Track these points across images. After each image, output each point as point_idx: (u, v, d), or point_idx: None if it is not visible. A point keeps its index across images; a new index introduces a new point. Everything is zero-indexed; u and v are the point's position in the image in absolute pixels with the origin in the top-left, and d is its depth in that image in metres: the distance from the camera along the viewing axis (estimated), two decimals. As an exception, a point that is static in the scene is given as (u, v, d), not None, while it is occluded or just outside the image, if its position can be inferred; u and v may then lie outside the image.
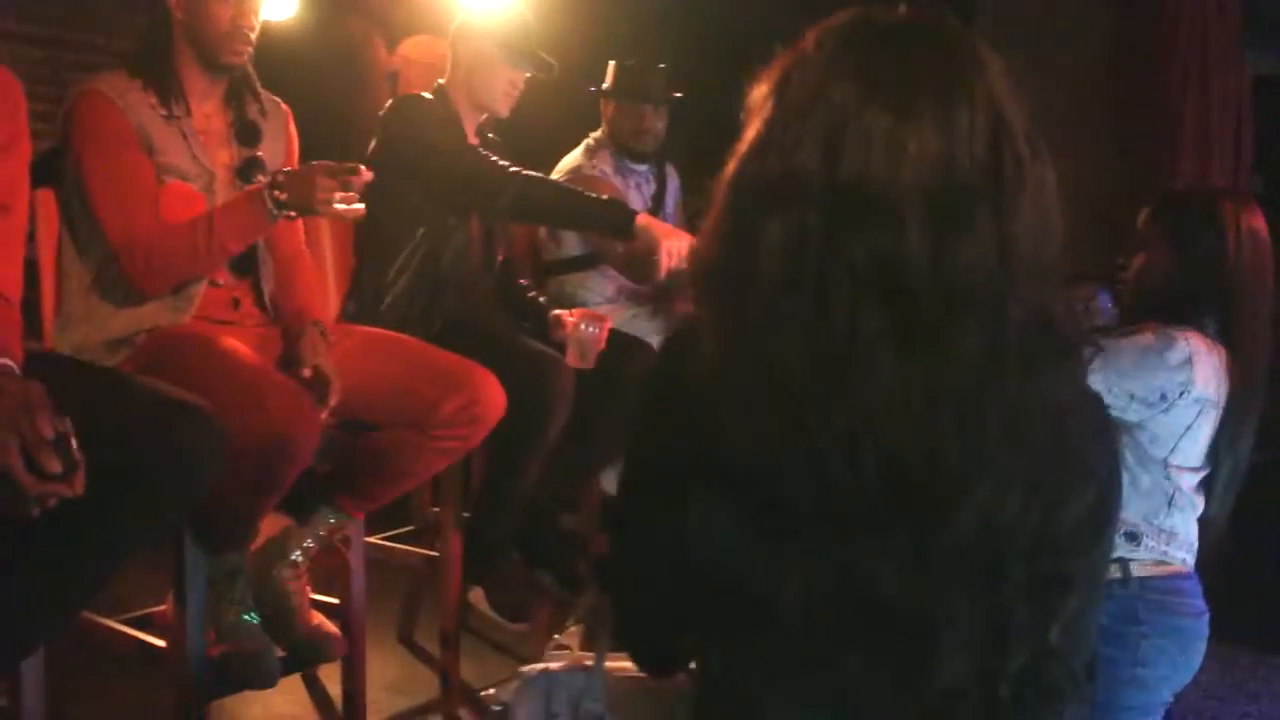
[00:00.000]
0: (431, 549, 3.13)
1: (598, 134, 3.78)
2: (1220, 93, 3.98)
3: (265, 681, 2.43)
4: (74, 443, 1.71)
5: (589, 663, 1.44)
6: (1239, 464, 2.29)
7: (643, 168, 3.80)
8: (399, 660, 3.32)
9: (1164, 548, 2.22)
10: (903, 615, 1.14)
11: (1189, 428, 2.23)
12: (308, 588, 2.61)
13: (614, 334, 3.14)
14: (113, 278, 2.47)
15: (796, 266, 1.10)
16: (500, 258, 3.27)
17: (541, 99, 3.36)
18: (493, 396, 2.63)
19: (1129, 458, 2.21)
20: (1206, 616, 2.25)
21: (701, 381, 1.15)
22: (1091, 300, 2.71)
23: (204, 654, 2.34)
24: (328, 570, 2.79)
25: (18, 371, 1.86)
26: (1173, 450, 2.23)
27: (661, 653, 1.33)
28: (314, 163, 2.43)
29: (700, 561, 1.18)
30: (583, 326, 3.04)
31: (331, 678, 2.88)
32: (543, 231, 3.71)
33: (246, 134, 2.63)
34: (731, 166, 1.19)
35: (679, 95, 3.80)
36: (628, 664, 1.39)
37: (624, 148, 3.74)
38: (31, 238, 2.49)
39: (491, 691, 1.47)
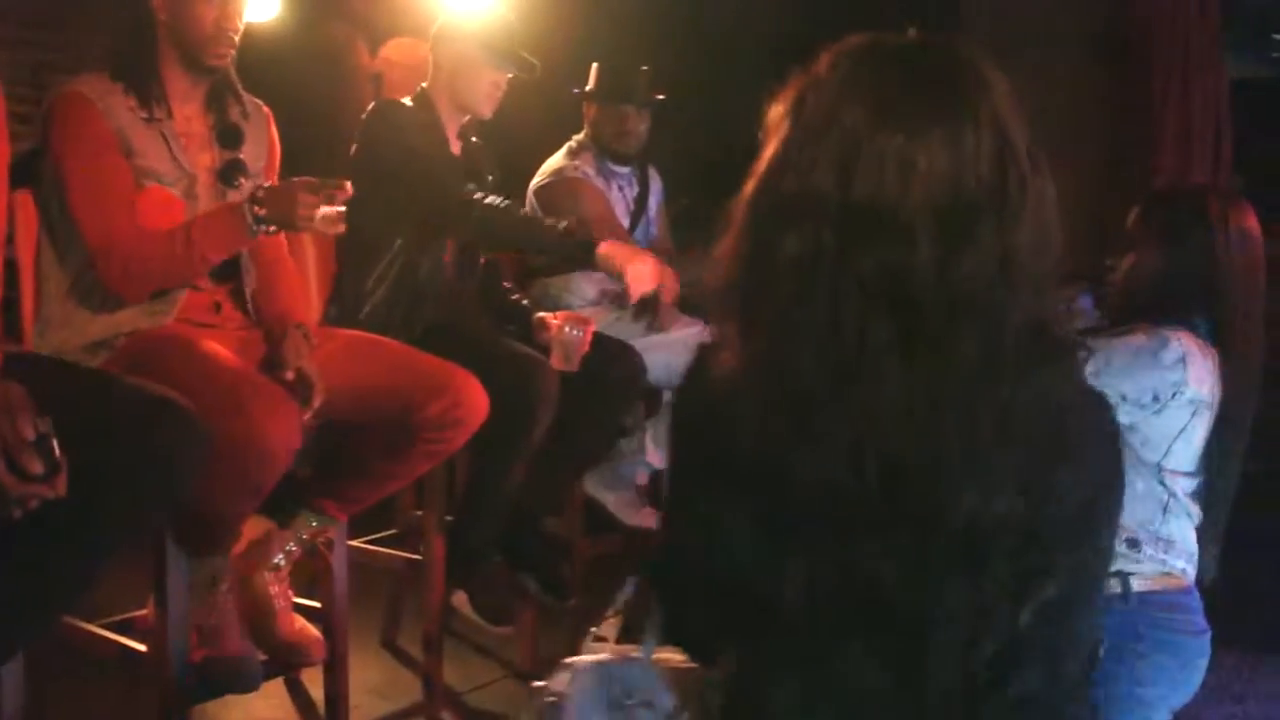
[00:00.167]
0: (414, 552, 3.12)
1: (580, 136, 3.78)
2: (1201, 95, 4.00)
3: (247, 686, 2.42)
4: (55, 444, 1.70)
5: (633, 653, 1.47)
6: (1234, 470, 2.26)
7: (625, 170, 3.80)
8: (382, 664, 3.30)
9: (1163, 556, 2.18)
10: (901, 613, 1.19)
11: (1182, 430, 2.19)
12: (290, 591, 2.60)
13: (598, 337, 3.13)
14: (92, 281, 2.45)
15: (810, 280, 1.16)
16: (483, 261, 3.26)
17: (524, 101, 3.36)
18: (476, 399, 2.62)
19: (1130, 468, 2.19)
20: (1208, 635, 2.20)
21: (721, 389, 1.22)
22: (1073, 301, 2.70)
23: (185, 658, 2.33)
24: (310, 574, 2.78)
25: (-3, 373, 1.85)
26: (1166, 454, 2.19)
27: (703, 645, 1.38)
28: (295, 179, 2.42)
29: (721, 557, 1.24)
30: (566, 329, 3.04)
31: (314, 681, 2.87)
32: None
33: (228, 136, 2.62)
34: (750, 186, 1.25)
35: (661, 97, 3.80)
36: (672, 653, 1.45)
37: (606, 150, 3.74)
38: (10, 240, 2.48)
39: (541, 684, 1.48)
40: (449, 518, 2.97)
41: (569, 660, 1.48)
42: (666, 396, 3.68)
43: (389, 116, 3.06)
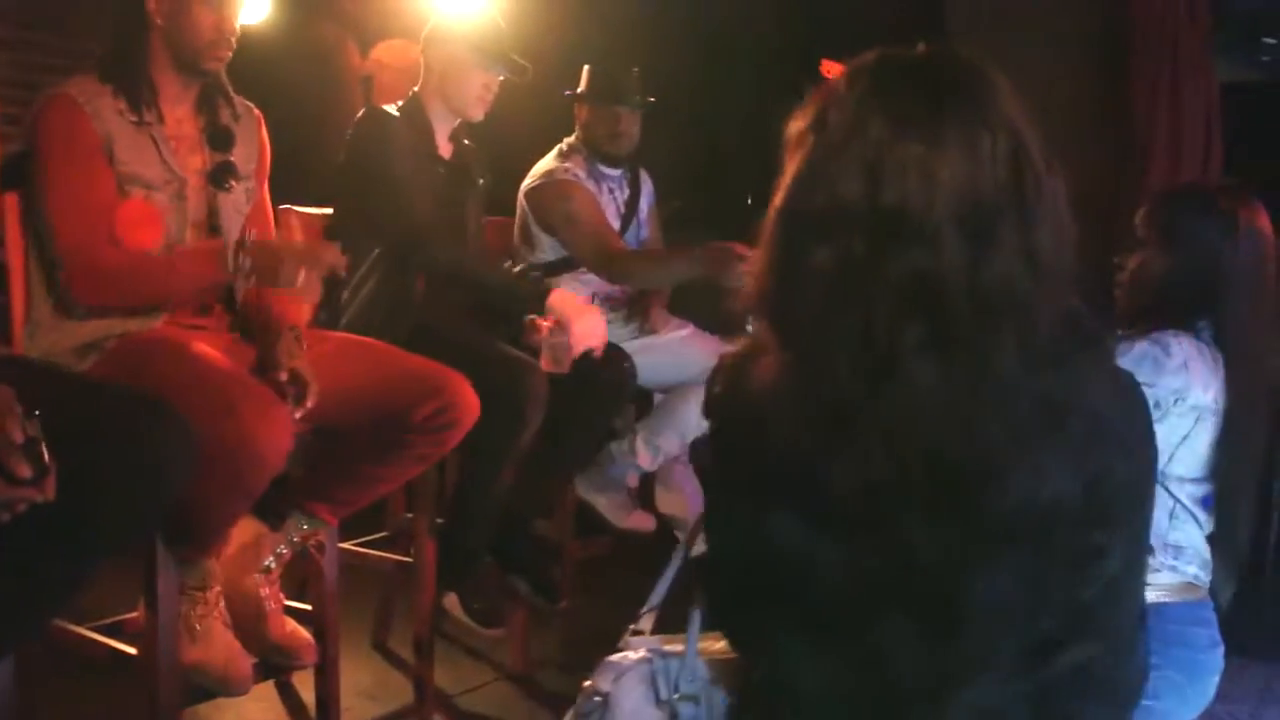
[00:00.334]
0: (405, 555, 3.12)
1: (571, 138, 3.77)
2: (1190, 98, 4.01)
3: (237, 689, 2.42)
4: (44, 447, 1.69)
5: (670, 647, 1.50)
6: (1245, 479, 2.22)
7: (616, 172, 3.79)
8: (372, 666, 3.30)
9: (1173, 562, 2.16)
10: (943, 594, 1.25)
11: (1185, 437, 2.16)
12: (280, 594, 2.60)
13: (587, 339, 3.13)
14: None
15: (843, 288, 1.22)
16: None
17: (517, 104, 3.36)
18: (466, 401, 2.62)
19: None
20: (1221, 649, 2.17)
21: (759, 394, 1.29)
22: None
23: (176, 661, 2.33)
24: (301, 576, 2.78)
25: (-15, 376, 1.84)
26: (1170, 460, 2.16)
27: (747, 635, 1.41)
28: (289, 244, 2.43)
29: (765, 550, 1.30)
30: (556, 332, 3.03)
31: (305, 684, 2.87)
32: (517, 237, 3.70)
33: (219, 139, 2.62)
34: (778, 199, 1.31)
35: (653, 100, 3.80)
36: (711, 644, 1.49)
37: (598, 152, 3.73)
38: (1, 242, 2.47)
39: (589, 683, 1.50)
40: (440, 520, 2.97)
41: (612, 658, 1.51)
42: (657, 399, 3.68)
43: (371, 132, 3.05)
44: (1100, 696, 1.33)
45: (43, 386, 1.94)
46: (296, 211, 3.10)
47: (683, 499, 3.74)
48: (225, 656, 2.39)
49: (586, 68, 3.78)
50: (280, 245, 2.42)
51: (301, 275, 2.38)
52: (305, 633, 2.59)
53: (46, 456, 1.70)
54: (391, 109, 3.14)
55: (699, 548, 1.50)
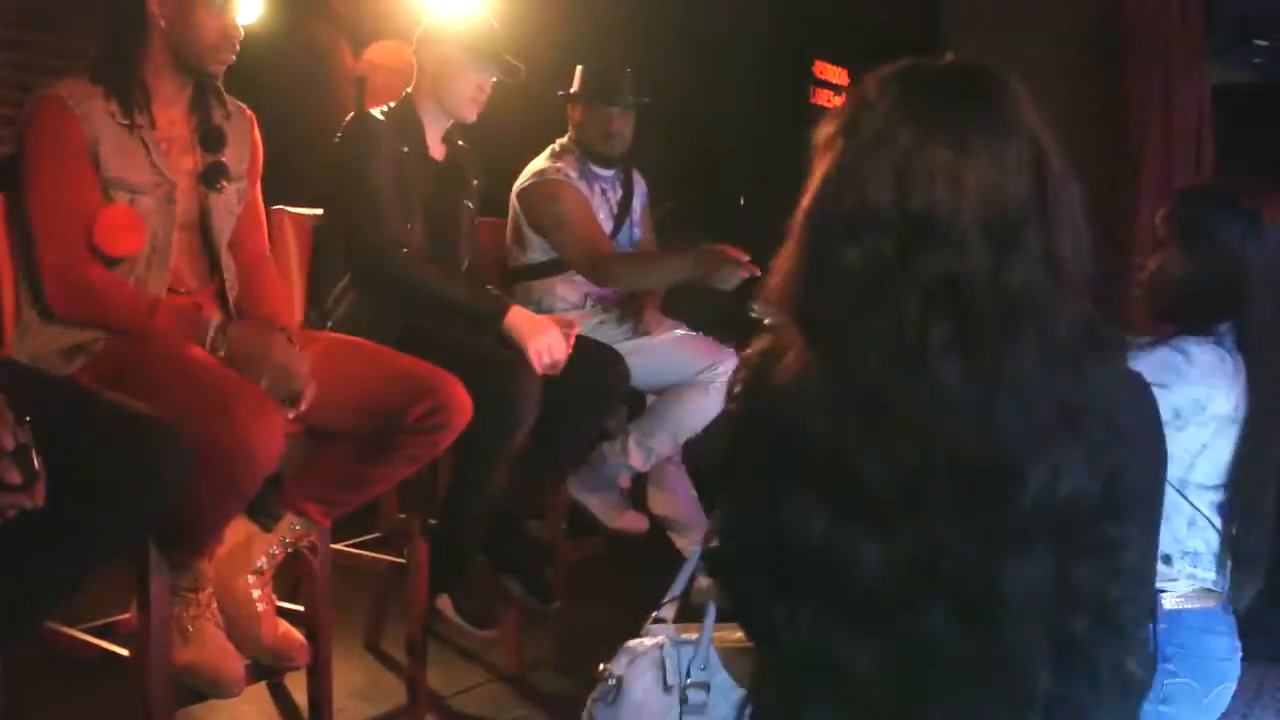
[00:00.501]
0: (398, 555, 3.11)
1: (564, 139, 3.77)
2: (1183, 100, 4.02)
3: (229, 690, 2.42)
4: (34, 453, 1.69)
5: (689, 635, 1.53)
6: (1266, 485, 2.18)
7: (609, 173, 3.79)
8: (365, 667, 3.30)
9: (1191, 569, 2.14)
10: (973, 582, 1.30)
11: (1205, 445, 2.14)
12: (273, 595, 2.60)
13: (581, 340, 3.14)
14: None
15: (872, 288, 1.28)
16: (466, 264, 3.26)
17: (510, 104, 3.36)
18: (459, 402, 2.62)
19: None
20: (1238, 657, 2.16)
21: (786, 390, 1.33)
22: None
23: (168, 663, 2.33)
24: (293, 577, 2.78)
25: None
26: (1189, 468, 2.15)
27: (765, 622, 1.42)
28: (276, 342, 2.43)
29: (791, 540, 1.34)
30: (562, 340, 3.03)
31: (297, 685, 2.86)
32: (509, 238, 3.70)
33: (210, 139, 2.62)
34: (806, 202, 1.36)
35: (647, 100, 3.80)
36: (729, 633, 1.53)
37: (591, 152, 3.73)
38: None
39: (603, 666, 1.56)
40: (432, 521, 2.97)
41: (630, 643, 1.55)
42: (650, 400, 3.69)
43: (355, 141, 3.05)
44: (1109, 690, 1.38)
45: (33, 392, 1.94)
46: (289, 212, 3.10)
47: (675, 500, 3.75)
48: (217, 658, 2.39)
49: (580, 68, 3.78)
50: (269, 342, 2.42)
51: (265, 384, 2.37)
52: (298, 634, 2.59)
53: (37, 463, 1.70)
54: (381, 112, 3.13)
55: (712, 542, 1.54)
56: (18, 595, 1.89)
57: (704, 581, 1.62)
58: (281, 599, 2.66)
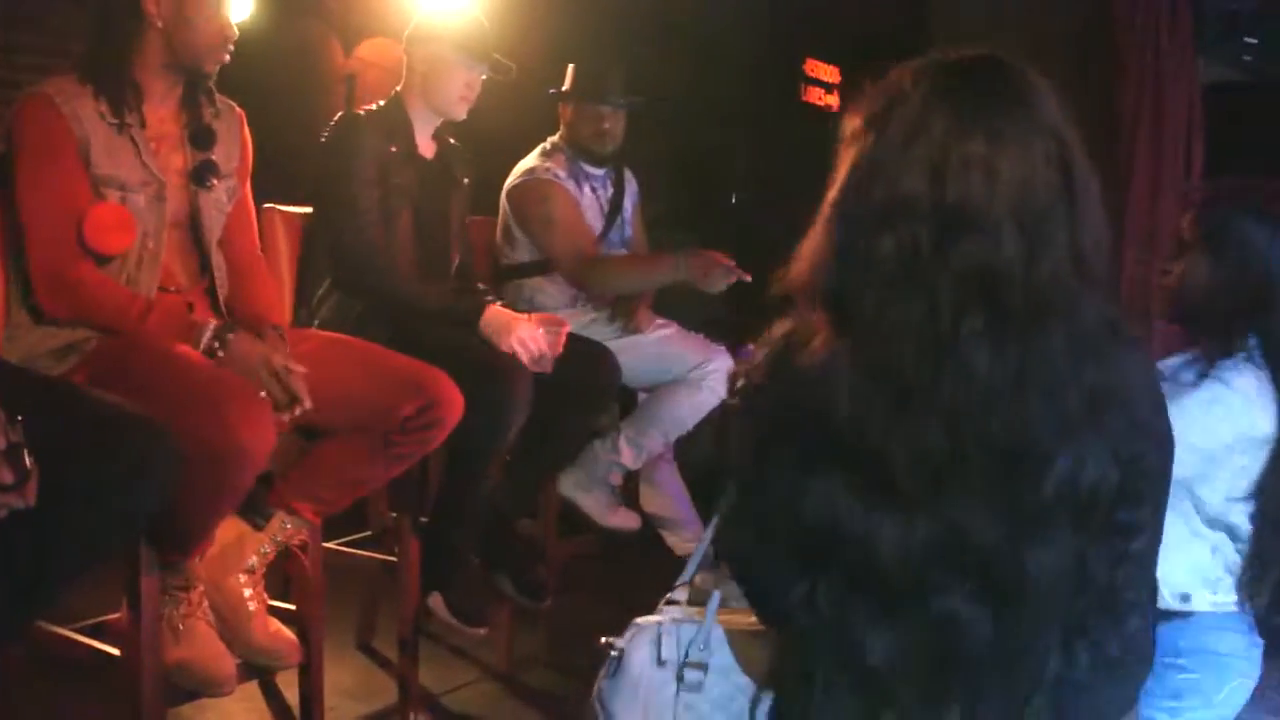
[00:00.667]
0: (390, 554, 3.12)
1: (555, 137, 3.77)
2: (1172, 99, 4.03)
3: (220, 689, 2.41)
4: (26, 453, 1.69)
5: (698, 616, 1.56)
6: None
7: (600, 171, 3.79)
8: (357, 666, 3.30)
9: (1212, 597, 2.13)
10: (996, 566, 1.33)
11: (1243, 467, 2.13)
12: (264, 594, 2.59)
13: (572, 338, 3.13)
14: None
15: (907, 276, 1.30)
16: (456, 262, 3.26)
17: (502, 101, 3.36)
18: (450, 400, 2.62)
19: (1182, 522, 2.10)
20: (1257, 652, 2.15)
21: (812, 373, 1.35)
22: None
23: (159, 662, 2.33)
24: (285, 576, 2.78)
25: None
26: (1228, 490, 2.13)
27: (780, 603, 1.44)
28: (274, 349, 2.44)
29: (815, 521, 1.36)
30: (540, 331, 3.03)
31: (289, 684, 2.86)
32: (499, 236, 3.70)
33: (200, 137, 2.61)
34: (836, 191, 1.38)
35: (638, 99, 3.80)
36: (737, 618, 1.55)
37: (582, 151, 3.73)
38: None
39: (605, 640, 1.59)
40: (424, 519, 2.97)
41: (638, 619, 1.58)
42: (641, 397, 3.69)
43: (338, 144, 3.04)
44: (1109, 672, 1.42)
45: (25, 392, 1.94)
46: (280, 211, 3.10)
47: (667, 497, 3.75)
48: (209, 657, 2.39)
49: (571, 66, 3.78)
50: (265, 351, 2.43)
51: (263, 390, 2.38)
52: (289, 633, 2.59)
53: (28, 462, 1.70)
54: (369, 111, 3.12)
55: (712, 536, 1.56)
56: (9, 594, 1.89)
57: (703, 577, 1.64)
58: (273, 598, 2.65)
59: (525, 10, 3.97)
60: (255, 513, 2.57)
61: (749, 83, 5.39)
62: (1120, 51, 4.08)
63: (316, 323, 3.00)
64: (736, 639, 1.55)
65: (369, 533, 3.37)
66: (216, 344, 2.40)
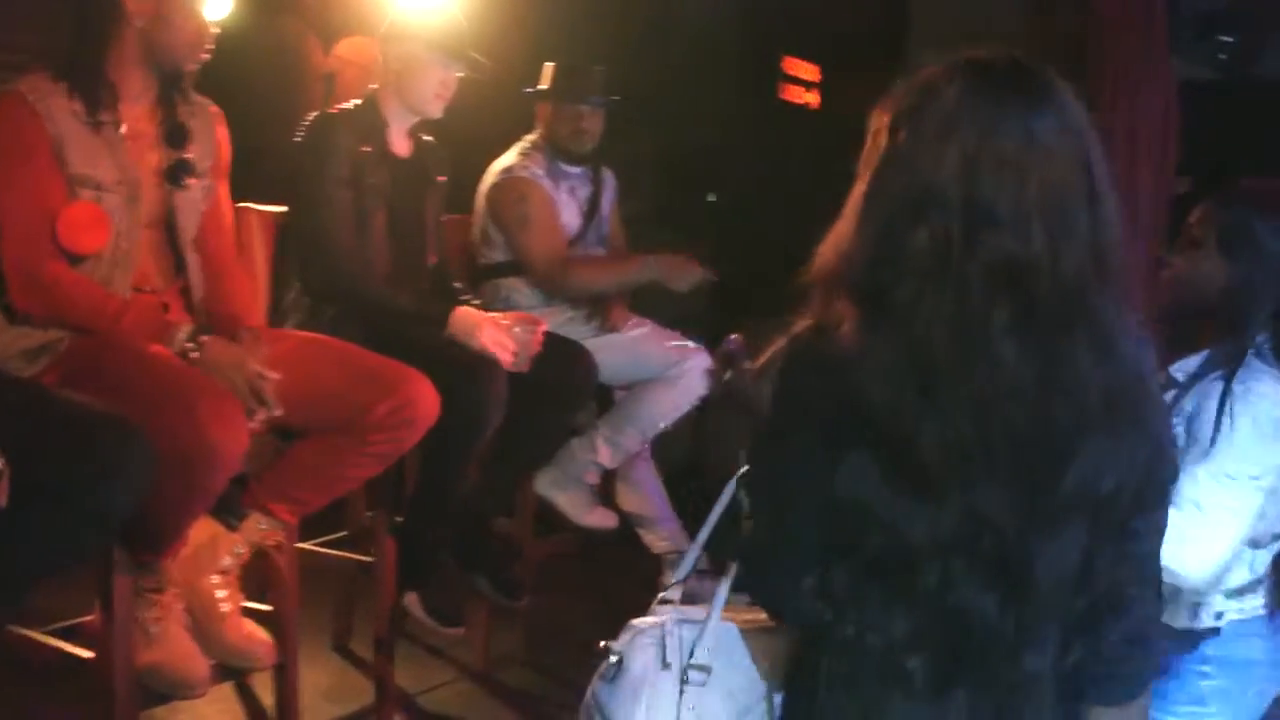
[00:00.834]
0: (366, 554, 3.11)
1: (533, 136, 3.76)
2: (1148, 98, 4.04)
3: (194, 691, 2.41)
4: (-3, 452, 1.69)
5: (694, 615, 1.57)
6: None
7: (578, 170, 3.79)
8: (333, 667, 3.30)
9: (1239, 604, 2.10)
10: (1010, 558, 1.37)
11: None
12: (239, 595, 2.59)
13: (549, 337, 3.13)
14: None
15: (940, 268, 1.34)
16: (433, 261, 3.25)
17: (480, 100, 3.35)
18: (426, 400, 2.62)
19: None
20: None
21: (845, 360, 1.36)
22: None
23: (132, 664, 2.32)
24: (259, 577, 2.77)
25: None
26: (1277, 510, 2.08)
27: (792, 593, 1.46)
28: (249, 352, 2.44)
29: (844, 506, 1.39)
30: (517, 330, 3.03)
31: (264, 686, 2.86)
32: (476, 235, 3.70)
33: (175, 136, 2.60)
34: (868, 184, 1.41)
35: (616, 99, 3.79)
36: (742, 614, 1.57)
37: (560, 150, 3.73)
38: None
39: (604, 644, 1.59)
40: (400, 519, 2.96)
41: (634, 621, 1.58)
42: (618, 396, 3.69)
43: (311, 145, 3.02)
44: (1113, 667, 1.46)
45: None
46: (256, 210, 3.08)
47: (644, 496, 3.75)
48: (182, 658, 2.39)
49: (549, 65, 3.77)
50: (242, 354, 2.42)
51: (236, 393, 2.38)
52: (263, 633, 2.59)
53: (1, 462, 1.69)
54: (344, 110, 3.11)
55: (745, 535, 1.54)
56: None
57: (694, 582, 1.66)
58: (249, 599, 2.65)
59: (503, 9, 3.96)
60: (229, 513, 2.56)
61: (727, 80, 5.38)
62: (1096, 51, 4.09)
63: (294, 321, 2.99)
64: (743, 636, 1.56)
65: (345, 533, 3.36)
66: (190, 345, 2.40)
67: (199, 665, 2.40)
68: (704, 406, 3.75)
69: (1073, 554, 1.39)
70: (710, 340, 3.95)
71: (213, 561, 2.53)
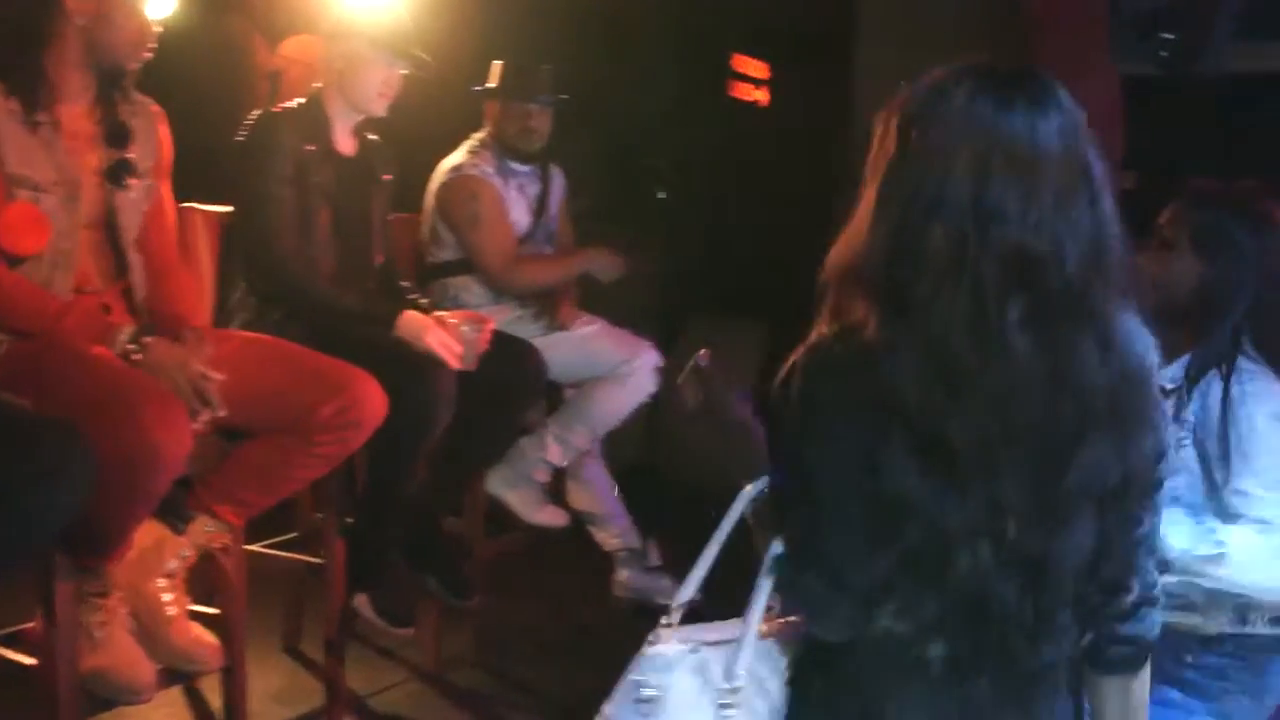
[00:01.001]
0: (315, 555, 3.09)
1: (481, 134, 3.76)
2: (1091, 95, 4.07)
3: (140, 696, 2.39)
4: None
5: (710, 636, 1.56)
6: None
7: (526, 169, 3.79)
8: (282, 669, 3.27)
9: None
10: (1029, 546, 1.42)
11: None
12: (185, 598, 2.56)
13: (497, 335, 3.12)
14: None
15: (957, 264, 1.38)
16: (380, 260, 3.24)
17: (427, 98, 3.34)
18: (372, 400, 2.61)
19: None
20: None
21: (868, 361, 1.41)
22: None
23: (76, 671, 2.29)
24: (206, 580, 2.75)
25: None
26: None
27: (838, 601, 1.48)
28: (191, 353, 2.41)
29: (885, 500, 1.42)
30: (465, 329, 3.02)
31: (213, 690, 2.84)
32: (425, 233, 3.69)
33: (115, 136, 2.58)
34: (880, 185, 1.44)
35: (565, 97, 3.80)
36: (775, 624, 1.58)
37: (509, 148, 3.73)
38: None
39: (636, 678, 1.54)
40: (349, 520, 2.95)
41: (652, 651, 1.56)
42: (568, 394, 3.69)
43: (255, 142, 3.00)
44: (1109, 652, 1.53)
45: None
46: (200, 210, 3.06)
47: (594, 494, 3.76)
48: (127, 663, 2.37)
49: (497, 64, 3.77)
50: (185, 354, 2.41)
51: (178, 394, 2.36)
52: (210, 636, 2.57)
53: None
54: (287, 108, 3.09)
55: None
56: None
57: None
58: (198, 602, 2.62)
59: (450, 7, 3.95)
60: (175, 516, 2.54)
61: (676, 78, 5.40)
62: (1039, 48, 4.12)
63: (240, 321, 2.96)
64: (785, 647, 1.57)
65: (294, 534, 3.34)
66: (133, 347, 2.37)
67: (145, 670, 2.38)
68: (654, 404, 3.76)
69: (1086, 542, 1.44)
70: (660, 337, 3.96)
71: (158, 565, 2.51)
